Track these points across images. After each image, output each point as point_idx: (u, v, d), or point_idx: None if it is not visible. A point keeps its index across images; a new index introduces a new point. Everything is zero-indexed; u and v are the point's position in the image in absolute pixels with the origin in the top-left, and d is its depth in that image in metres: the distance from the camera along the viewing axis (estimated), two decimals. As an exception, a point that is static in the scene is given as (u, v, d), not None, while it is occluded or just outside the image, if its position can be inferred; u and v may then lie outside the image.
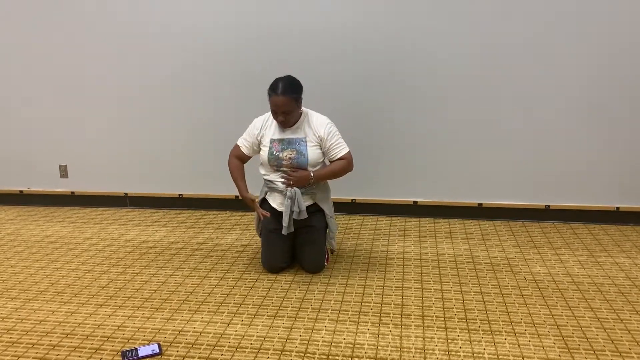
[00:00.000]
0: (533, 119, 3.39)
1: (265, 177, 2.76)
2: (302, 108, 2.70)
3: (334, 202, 2.94)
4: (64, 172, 4.07)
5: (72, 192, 4.12)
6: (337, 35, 3.43)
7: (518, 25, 3.25)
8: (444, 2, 3.28)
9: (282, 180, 2.65)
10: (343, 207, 3.75)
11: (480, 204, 3.61)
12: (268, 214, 2.69)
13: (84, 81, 3.82)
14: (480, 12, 3.26)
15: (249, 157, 2.81)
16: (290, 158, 2.63)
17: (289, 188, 2.63)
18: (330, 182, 2.91)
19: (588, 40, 3.21)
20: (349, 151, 2.70)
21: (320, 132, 2.65)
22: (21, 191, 4.19)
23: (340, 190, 3.66)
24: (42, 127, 3.98)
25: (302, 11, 3.42)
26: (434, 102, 3.46)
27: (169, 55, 3.66)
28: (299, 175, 2.61)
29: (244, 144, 2.78)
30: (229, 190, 3.87)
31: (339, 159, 2.68)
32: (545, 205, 3.54)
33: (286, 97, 2.53)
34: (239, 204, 3.88)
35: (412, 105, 3.49)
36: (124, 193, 4.05)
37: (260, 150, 2.75)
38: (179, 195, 3.98)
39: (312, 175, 2.62)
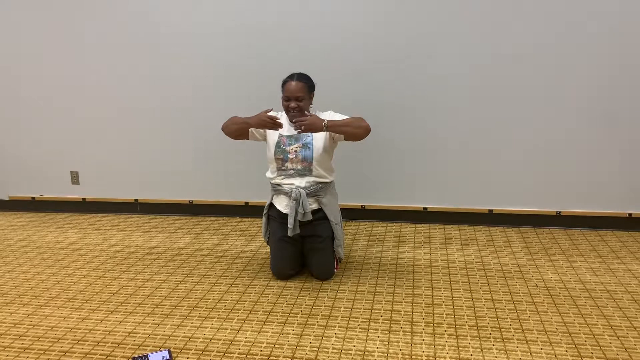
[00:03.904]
0: (544, 125, 3.37)
1: (272, 181, 2.78)
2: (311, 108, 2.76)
3: (343, 209, 2.94)
4: (75, 178, 4.11)
5: (84, 199, 4.15)
6: (347, 39, 3.44)
7: (530, 31, 3.24)
8: (457, 7, 3.28)
9: (295, 124, 2.58)
10: (352, 214, 3.75)
11: (490, 210, 3.59)
12: (279, 120, 2.60)
13: (95, 89, 3.85)
14: (493, 16, 3.25)
15: (247, 133, 2.78)
16: (296, 151, 2.67)
17: (294, 189, 2.64)
18: (339, 189, 2.91)
19: (601, 47, 3.19)
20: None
21: (324, 116, 2.68)
22: (33, 198, 4.23)
23: (350, 196, 3.66)
24: (54, 134, 4.02)
25: (314, 17, 3.44)
26: (444, 108, 3.46)
27: (180, 63, 3.68)
28: (312, 120, 2.54)
29: None
30: (239, 196, 3.90)
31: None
32: (557, 212, 3.51)
33: (300, 83, 2.64)
34: (248, 210, 3.90)
35: (422, 111, 3.49)
36: (135, 199, 4.07)
37: (263, 139, 2.79)
38: (189, 201, 3.99)
39: (325, 122, 2.54)
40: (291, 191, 2.66)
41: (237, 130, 2.73)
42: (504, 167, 3.49)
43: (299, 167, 2.68)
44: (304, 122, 2.52)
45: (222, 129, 2.78)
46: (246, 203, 3.90)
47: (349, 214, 3.72)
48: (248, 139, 2.81)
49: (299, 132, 2.60)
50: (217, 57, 3.62)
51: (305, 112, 2.64)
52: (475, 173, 3.54)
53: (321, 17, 3.43)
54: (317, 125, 2.53)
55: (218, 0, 3.52)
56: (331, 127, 2.56)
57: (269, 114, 2.61)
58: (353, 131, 2.59)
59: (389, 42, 3.40)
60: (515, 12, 3.22)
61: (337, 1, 3.39)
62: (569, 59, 3.24)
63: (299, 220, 2.65)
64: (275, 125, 2.59)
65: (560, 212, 3.51)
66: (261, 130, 2.77)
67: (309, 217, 2.64)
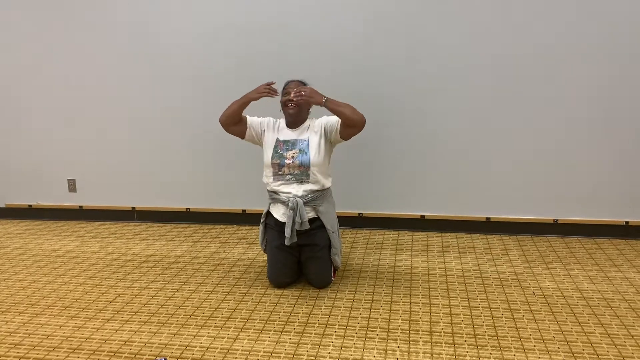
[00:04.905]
0: (541, 134, 3.38)
1: (269, 188, 2.78)
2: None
3: (340, 217, 2.93)
4: (72, 186, 4.10)
5: (80, 207, 4.14)
6: (346, 44, 3.45)
7: (530, 31, 3.24)
8: (456, 12, 3.29)
9: (295, 96, 2.61)
10: (350, 222, 3.75)
11: (488, 219, 3.59)
12: (274, 84, 2.66)
13: (93, 96, 3.86)
14: (490, 22, 3.27)
15: (245, 127, 2.79)
16: (293, 157, 2.68)
17: (291, 198, 2.63)
18: (336, 197, 2.91)
19: (597, 55, 3.21)
20: None
21: (318, 122, 2.75)
22: (30, 205, 4.22)
23: (347, 204, 3.66)
24: (51, 142, 4.02)
25: (313, 18, 3.46)
26: (441, 115, 3.46)
27: (177, 70, 3.69)
28: (312, 92, 2.58)
29: (252, 117, 2.81)
30: (236, 204, 3.90)
31: None
32: (554, 220, 3.52)
33: (300, 84, 2.74)
34: (246, 218, 3.89)
35: (419, 119, 3.49)
36: (132, 207, 4.07)
37: (259, 142, 2.83)
38: (187, 209, 3.99)
39: (325, 96, 2.57)
40: (288, 200, 2.66)
41: (239, 108, 2.70)
42: (501, 175, 3.50)
43: (296, 172, 2.69)
44: (304, 90, 2.58)
45: (220, 120, 2.76)
46: (243, 211, 3.90)
47: (346, 221, 3.72)
48: (244, 137, 2.83)
49: (297, 100, 2.61)
50: (216, 63, 3.63)
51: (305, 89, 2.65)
52: (473, 181, 3.54)
53: (320, 18, 3.44)
54: (316, 97, 2.58)
55: (217, 2, 3.53)
56: (330, 102, 2.58)
57: (266, 85, 2.65)
58: (350, 116, 2.59)
59: (386, 48, 3.41)
60: (515, 13, 3.23)
61: (337, 1, 3.40)
62: (566, 69, 3.25)
63: (297, 229, 2.65)
64: (271, 92, 2.63)
65: (557, 220, 3.51)
66: (258, 130, 2.79)
67: (307, 226, 2.64)
